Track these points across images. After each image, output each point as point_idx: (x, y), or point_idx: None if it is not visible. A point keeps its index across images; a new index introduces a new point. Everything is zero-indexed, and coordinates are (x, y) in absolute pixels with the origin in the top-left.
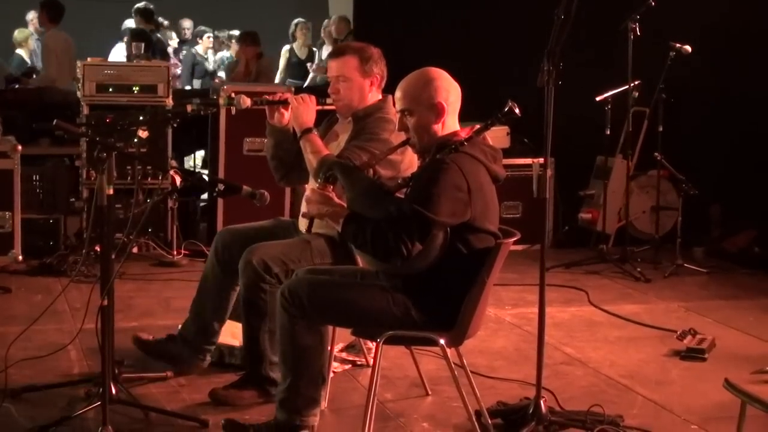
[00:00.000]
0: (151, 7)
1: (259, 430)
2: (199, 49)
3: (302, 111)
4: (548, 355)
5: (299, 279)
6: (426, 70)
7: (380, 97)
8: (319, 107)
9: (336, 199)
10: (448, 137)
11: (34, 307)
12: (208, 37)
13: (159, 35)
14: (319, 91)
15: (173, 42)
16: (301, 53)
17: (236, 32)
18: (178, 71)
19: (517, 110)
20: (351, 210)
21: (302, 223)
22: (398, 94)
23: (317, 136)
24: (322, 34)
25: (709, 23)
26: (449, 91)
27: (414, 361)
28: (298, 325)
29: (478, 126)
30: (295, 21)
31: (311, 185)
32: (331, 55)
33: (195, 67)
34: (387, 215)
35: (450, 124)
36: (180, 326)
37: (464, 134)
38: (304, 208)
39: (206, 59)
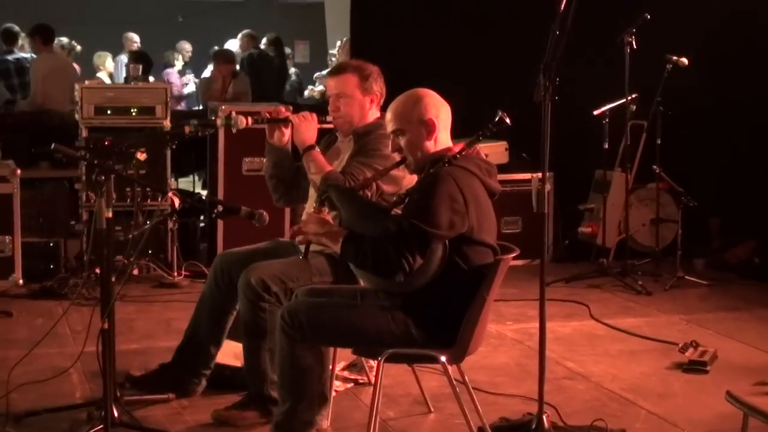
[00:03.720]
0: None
1: None
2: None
3: (304, 128)
4: (550, 369)
5: (299, 302)
6: (414, 90)
7: (378, 115)
8: (320, 125)
9: (331, 221)
10: (442, 153)
11: (36, 330)
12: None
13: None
14: (318, 109)
15: (178, 63)
16: None
17: None
18: (185, 91)
19: (507, 120)
20: (348, 230)
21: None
22: (389, 116)
23: (320, 152)
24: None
25: (706, 35)
26: (439, 108)
27: (416, 378)
28: (298, 347)
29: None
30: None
31: (308, 209)
32: (330, 73)
33: None
34: (386, 232)
35: (443, 140)
36: (175, 351)
37: (457, 149)
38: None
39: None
